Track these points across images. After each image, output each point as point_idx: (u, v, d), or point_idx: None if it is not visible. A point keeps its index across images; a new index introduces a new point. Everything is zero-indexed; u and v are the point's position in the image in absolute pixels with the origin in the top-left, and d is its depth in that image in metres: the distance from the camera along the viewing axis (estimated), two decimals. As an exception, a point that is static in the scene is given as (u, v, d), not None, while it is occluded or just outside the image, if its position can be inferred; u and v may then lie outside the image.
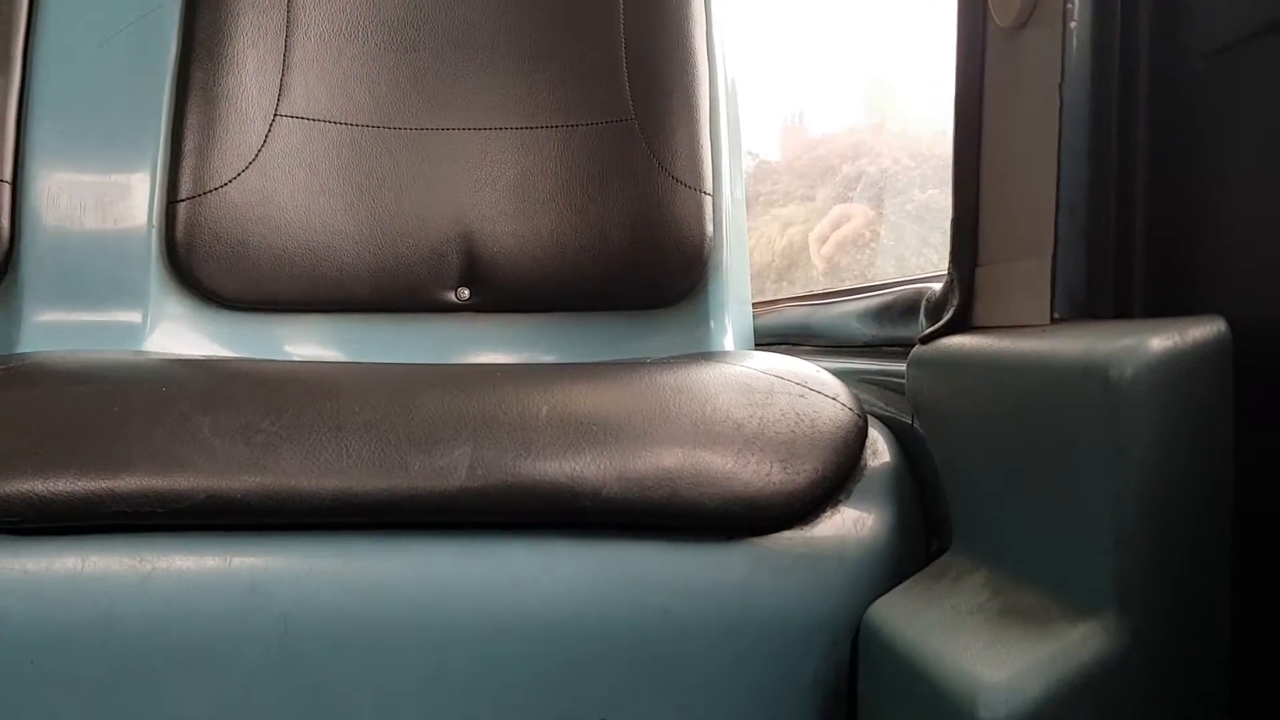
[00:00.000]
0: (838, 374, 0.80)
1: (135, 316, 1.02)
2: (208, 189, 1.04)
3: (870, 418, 0.77)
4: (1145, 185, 0.56)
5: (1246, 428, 0.49)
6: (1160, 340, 0.48)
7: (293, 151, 1.08)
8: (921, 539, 0.71)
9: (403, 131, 1.11)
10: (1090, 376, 0.50)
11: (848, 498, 0.70)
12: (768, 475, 0.67)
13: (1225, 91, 0.51)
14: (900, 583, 0.67)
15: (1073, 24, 0.56)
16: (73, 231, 1.03)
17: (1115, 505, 0.49)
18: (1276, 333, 0.48)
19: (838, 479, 0.70)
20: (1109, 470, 0.49)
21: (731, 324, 1.11)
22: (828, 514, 0.69)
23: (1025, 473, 0.56)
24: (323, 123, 1.10)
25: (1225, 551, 0.49)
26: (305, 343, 1.09)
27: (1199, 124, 0.53)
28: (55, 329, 1.00)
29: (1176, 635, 0.49)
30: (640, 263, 1.10)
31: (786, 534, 0.68)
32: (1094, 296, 0.57)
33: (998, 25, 0.62)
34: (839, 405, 0.73)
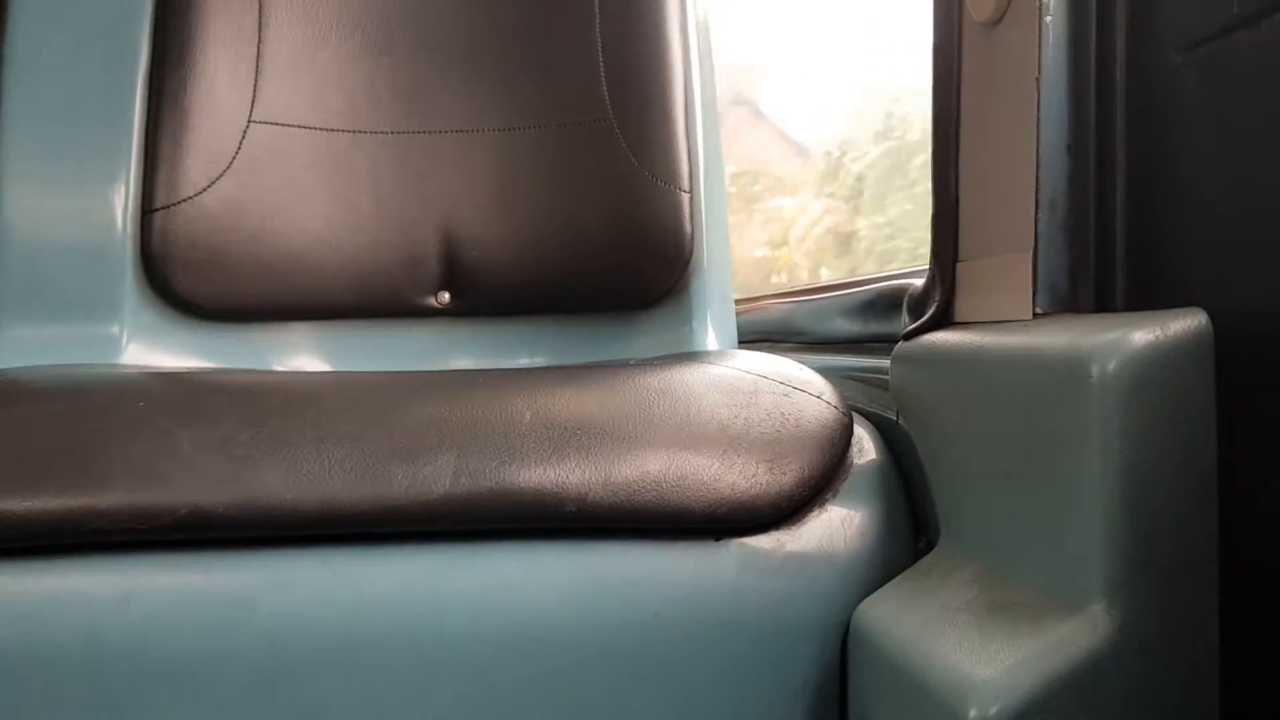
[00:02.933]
0: (822, 371, 0.80)
1: (112, 329, 1.01)
2: (182, 198, 1.03)
3: (855, 414, 0.77)
4: (1124, 179, 0.56)
5: (1229, 418, 0.49)
6: (1142, 333, 0.48)
7: (268, 158, 1.07)
8: (909, 536, 0.71)
9: (379, 136, 1.11)
10: (1073, 370, 0.50)
11: (835, 496, 0.70)
12: (754, 476, 0.67)
13: (1201, 84, 0.51)
14: (889, 580, 0.67)
15: (1049, 18, 0.56)
16: (46, 244, 1.02)
17: (1100, 499, 0.49)
18: (1257, 323, 0.48)
19: (824, 478, 0.70)
20: (1093, 464, 0.49)
21: (714, 323, 1.11)
22: (815, 513, 0.69)
23: (1011, 468, 0.56)
24: (298, 128, 1.09)
25: (1211, 542, 0.49)
26: (285, 352, 1.08)
27: (1176, 117, 0.53)
28: (30, 343, 0.99)
29: (1164, 628, 0.49)
30: (621, 263, 1.10)
31: (774, 534, 0.68)
32: (1075, 290, 0.57)
33: (974, 20, 0.62)
34: (824, 403, 0.73)
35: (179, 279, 1.03)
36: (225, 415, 0.68)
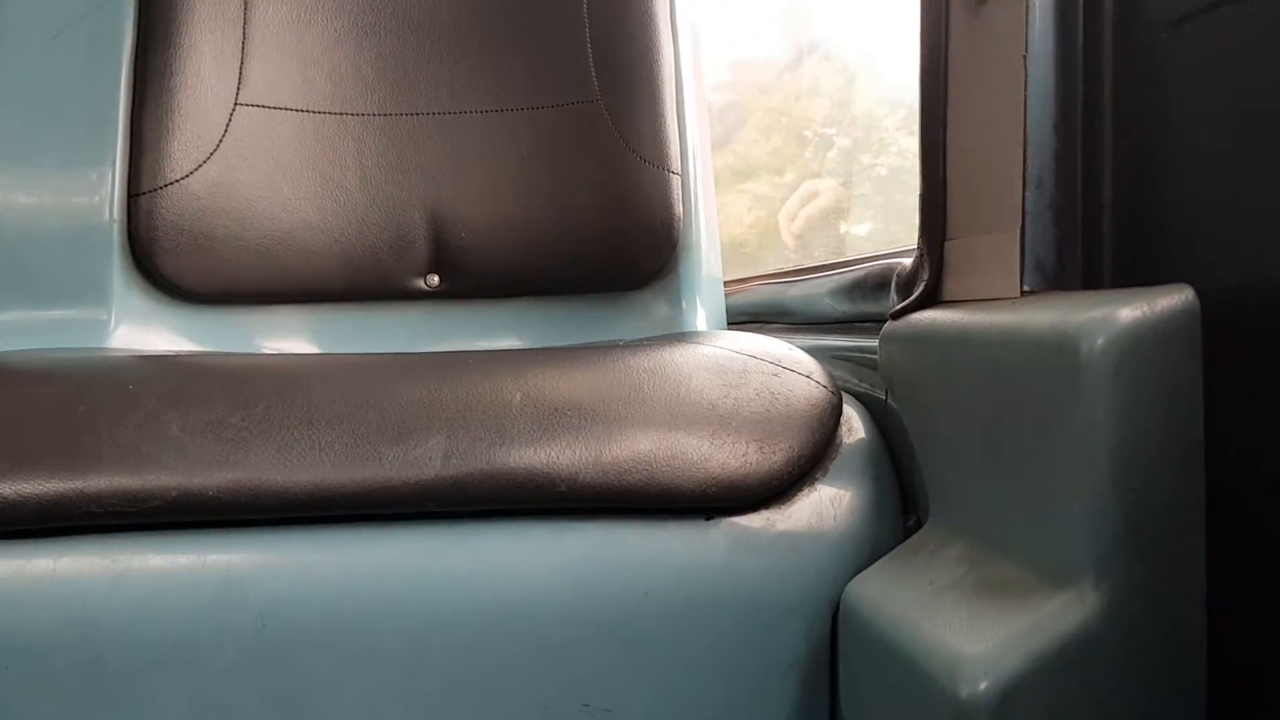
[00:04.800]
0: (811, 351, 0.80)
1: (99, 313, 1.01)
2: (169, 181, 1.03)
3: (845, 394, 0.77)
4: (1111, 156, 0.56)
5: (1216, 394, 0.49)
6: (1129, 310, 0.48)
7: (255, 141, 1.07)
8: (898, 514, 0.71)
9: (366, 118, 1.10)
10: (1061, 348, 0.50)
11: (824, 475, 0.70)
12: (744, 455, 0.67)
13: (1188, 61, 0.51)
14: (878, 559, 0.67)
15: (1036, -4, 0.56)
16: (33, 228, 1.01)
17: (1088, 476, 0.49)
18: (1244, 300, 0.48)
19: (814, 457, 0.70)
20: (1081, 441, 0.49)
21: (703, 304, 1.11)
22: (805, 492, 0.69)
23: (999, 445, 0.57)
24: (284, 111, 1.08)
25: (1198, 518, 0.49)
26: (273, 335, 1.08)
27: (1163, 94, 0.53)
28: (18, 328, 0.98)
29: (1152, 603, 0.49)
30: (610, 244, 1.10)
31: (764, 513, 0.68)
32: (1063, 268, 0.57)
33: (961, -2, 0.62)
34: (813, 383, 0.73)
35: (166, 262, 1.03)
36: (214, 398, 0.68)
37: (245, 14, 1.08)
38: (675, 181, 1.10)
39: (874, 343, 0.72)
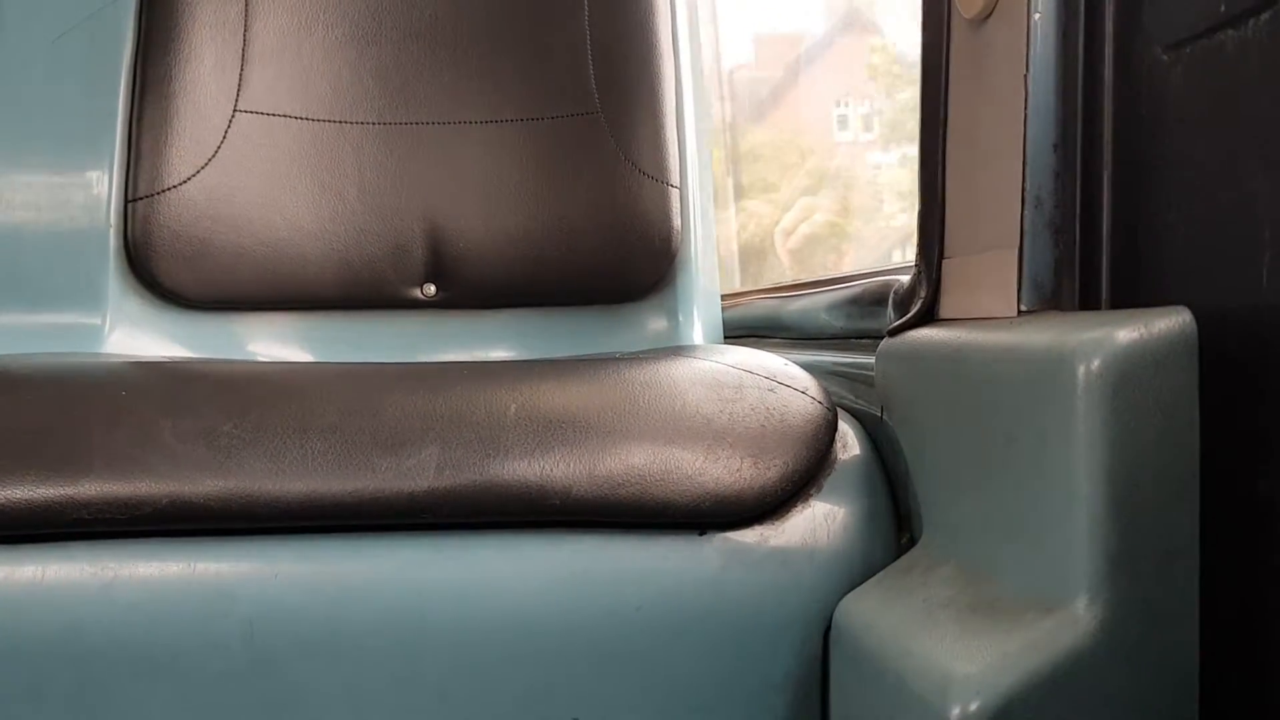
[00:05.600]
0: (807, 367, 0.80)
1: (94, 318, 1.00)
2: (166, 187, 1.03)
3: (840, 411, 0.77)
4: (1110, 176, 0.56)
5: (1212, 417, 0.49)
6: (1126, 332, 0.48)
7: (253, 147, 1.07)
8: (892, 532, 0.71)
9: (366, 126, 1.10)
10: (1057, 368, 0.50)
11: (818, 492, 0.70)
12: (738, 470, 0.67)
13: (1188, 83, 0.51)
14: (871, 576, 0.67)
15: (1037, 15, 0.56)
16: (29, 232, 1.01)
17: (1083, 497, 0.49)
18: (1241, 322, 0.48)
19: (808, 473, 0.70)
20: (1076, 462, 0.49)
21: (700, 317, 1.11)
22: (799, 508, 0.69)
23: (994, 465, 0.57)
24: (284, 118, 1.08)
25: (1193, 540, 0.49)
26: (268, 342, 1.07)
27: (1162, 115, 0.53)
28: (12, 332, 0.98)
29: (1145, 625, 0.49)
30: (607, 256, 1.10)
31: (758, 529, 0.68)
32: (1060, 288, 0.57)
33: (963, 17, 0.62)
34: (809, 399, 0.73)
35: (162, 268, 1.03)
36: (208, 405, 0.68)
37: (246, 21, 1.08)
38: (674, 194, 1.10)
39: (870, 359, 0.72)
